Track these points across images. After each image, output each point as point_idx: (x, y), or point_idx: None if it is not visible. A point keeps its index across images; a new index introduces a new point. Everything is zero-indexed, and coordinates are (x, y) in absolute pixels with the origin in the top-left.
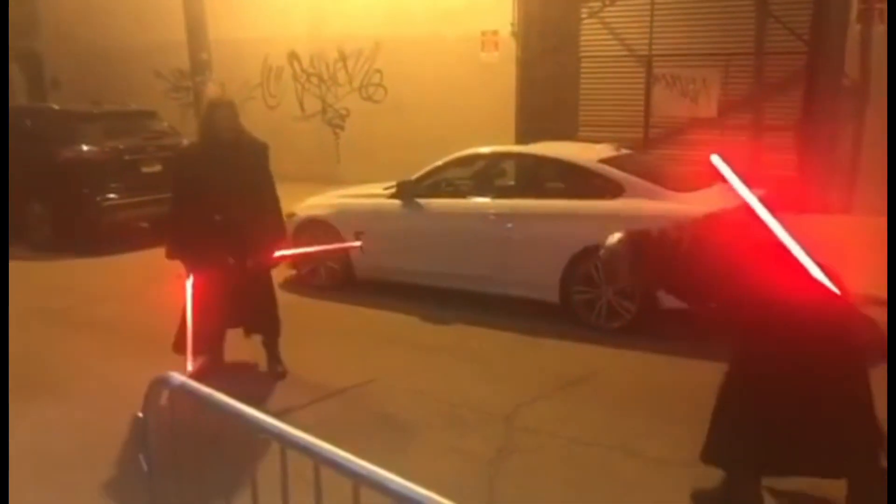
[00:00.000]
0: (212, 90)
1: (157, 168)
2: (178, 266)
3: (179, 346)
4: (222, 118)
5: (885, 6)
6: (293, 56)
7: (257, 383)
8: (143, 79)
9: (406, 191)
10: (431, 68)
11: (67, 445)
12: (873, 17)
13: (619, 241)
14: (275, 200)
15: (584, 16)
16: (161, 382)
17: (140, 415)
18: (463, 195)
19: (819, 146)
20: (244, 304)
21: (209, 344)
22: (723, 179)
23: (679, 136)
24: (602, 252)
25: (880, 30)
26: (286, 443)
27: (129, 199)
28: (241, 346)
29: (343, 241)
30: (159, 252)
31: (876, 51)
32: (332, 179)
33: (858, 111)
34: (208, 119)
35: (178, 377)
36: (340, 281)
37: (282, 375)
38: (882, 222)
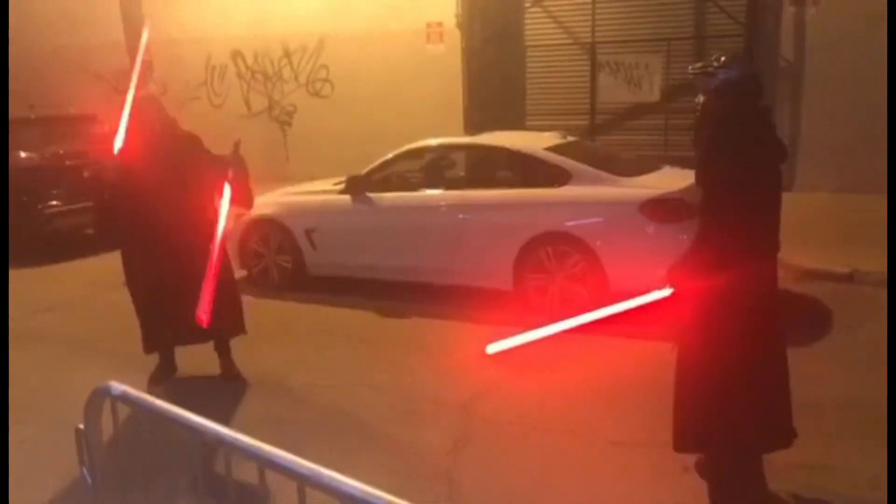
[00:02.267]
0: (153, 90)
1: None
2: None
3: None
4: (149, 112)
5: None
6: (237, 54)
7: (210, 387)
8: (82, 81)
9: (356, 186)
10: (378, 62)
11: (11, 463)
12: None
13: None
14: (244, 174)
15: (527, 5)
16: (102, 392)
17: (81, 426)
18: (414, 188)
19: None
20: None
21: (158, 345)
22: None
23: (625, 122)
24: None
25: (812, 12)
26: (229, 447)
27: (72, 205)
28: (193, 351)
29: (293, 238)
30: (105, 259)
31: (810, 32)
32: (281, 177)
33: (795, 92)
34: (137, 115)
35: (118, 387)
36: (292, 280)
37: (235, 378)
38: (822, 198)
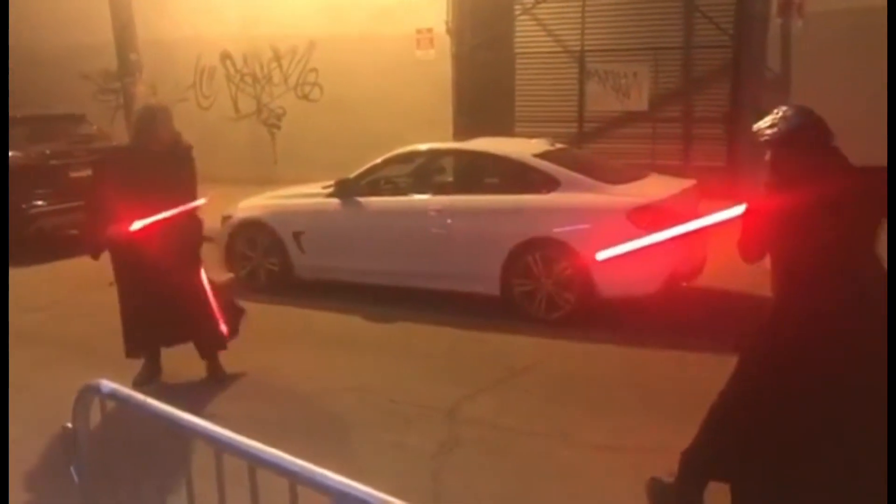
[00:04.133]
0: (141, 91)
1: (87, 173)
2: (110, 274)
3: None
4: (161, 123)
5: (803, 1)
6: (226, 56)
7: (196, 389)
8: (69, 81)
9: (345, 189)
10: (367, 66)
11: None
12: (792, 11)
13: None
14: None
15: (517, 12)
16: (91, 391)
17: (69, 425)
18: (402, 192)
19: (746, 137)
20: (179, 316)
21: (144, 349)
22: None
23: (612, 130)
24: None
25: (799, 24)
26: (219, 445)
27: (57, 205)
28: (179, 351)
29: (281, 241)
30: (90, 260)
31: (796, 43)
32: (269, 180)
33: (781, 102)
34: (147, 125)
35: (108, 385)
36: (280, 283)
37: (221, 380)
38: None
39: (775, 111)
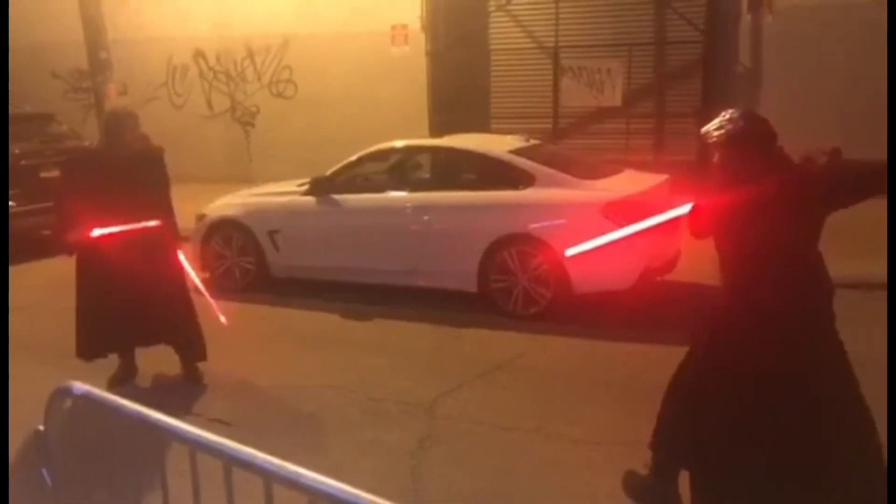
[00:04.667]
0: (112, 90)
1: (58, 173)
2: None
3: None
4: (127, 130)
5: None
6: (199, 53)
7: (172, 389)
8: (38, 80)
9: (320, 187)
10: (342, 63)
11: None
12: (762, 7)
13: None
14: (168, 207)
15: (491, 9)
16: (63, 392)
17: (41, 427)
18: (378, 189)
19: None
20: (155, 318)
21: (99, 351)
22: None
23: (586, 126)
24: None
25: (769, 19)
26: (193, 444)
27: (27, 206)
28: (155, 352)
29: (256, 240)
30: (62, 260)
31: (765, 39)
32: (244, 179)
33: (752, 97)
34: (113, 130)
35: (80, 386)
36: (255, 281)
37: (198, 380)
38: None
39: (722, 114)
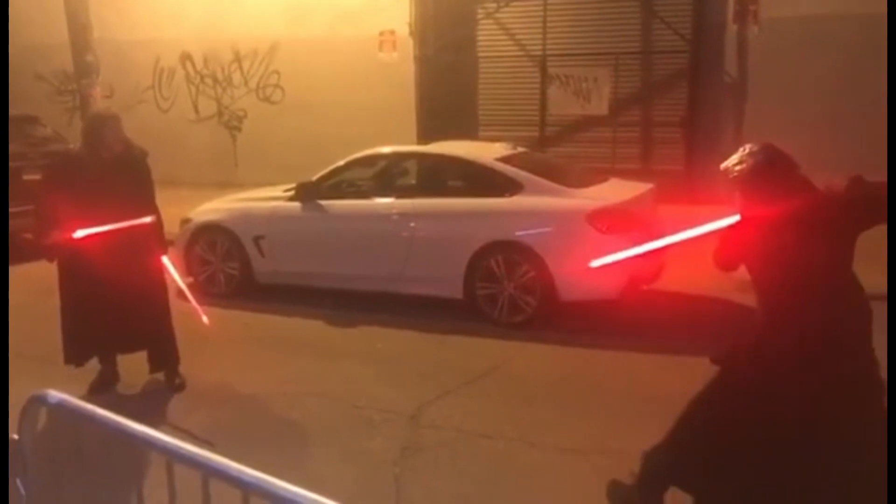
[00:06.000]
0: (98, 93)
1: (40, 176)
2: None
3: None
4: (109, 132)
5: (758, 8)
6: (186, 57)
7: (154, 397)
8: (22, 82)
9: (306, 192)
10: (330, 69)
11: None
12: (748, 17)
13: None
14: (153, 210)
15: (480, 16)
16: (38, 400)
17: (15, 436)
18: (365, 195)
19: (704, 141)
20: (137, 321)
21: (86, 356)
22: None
23: (573, 134)
24: None
25: (755, 30)
26: (171, 455)
27: (10, 209)
28: (137, 358)
29: (241, 245)
30: (44, 265)
31: (751, 49)
32: (230, 183)
33: (738, 106)
34: (95, 133)
35: (55, 395)
36: (240, 287)
37: (180, 388)
38: None
39: (741, 149)
